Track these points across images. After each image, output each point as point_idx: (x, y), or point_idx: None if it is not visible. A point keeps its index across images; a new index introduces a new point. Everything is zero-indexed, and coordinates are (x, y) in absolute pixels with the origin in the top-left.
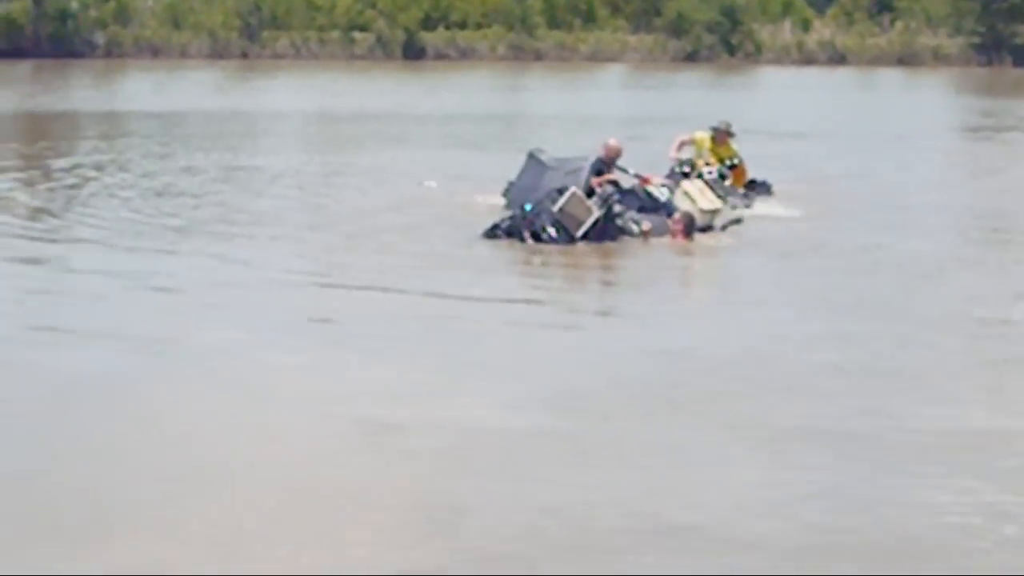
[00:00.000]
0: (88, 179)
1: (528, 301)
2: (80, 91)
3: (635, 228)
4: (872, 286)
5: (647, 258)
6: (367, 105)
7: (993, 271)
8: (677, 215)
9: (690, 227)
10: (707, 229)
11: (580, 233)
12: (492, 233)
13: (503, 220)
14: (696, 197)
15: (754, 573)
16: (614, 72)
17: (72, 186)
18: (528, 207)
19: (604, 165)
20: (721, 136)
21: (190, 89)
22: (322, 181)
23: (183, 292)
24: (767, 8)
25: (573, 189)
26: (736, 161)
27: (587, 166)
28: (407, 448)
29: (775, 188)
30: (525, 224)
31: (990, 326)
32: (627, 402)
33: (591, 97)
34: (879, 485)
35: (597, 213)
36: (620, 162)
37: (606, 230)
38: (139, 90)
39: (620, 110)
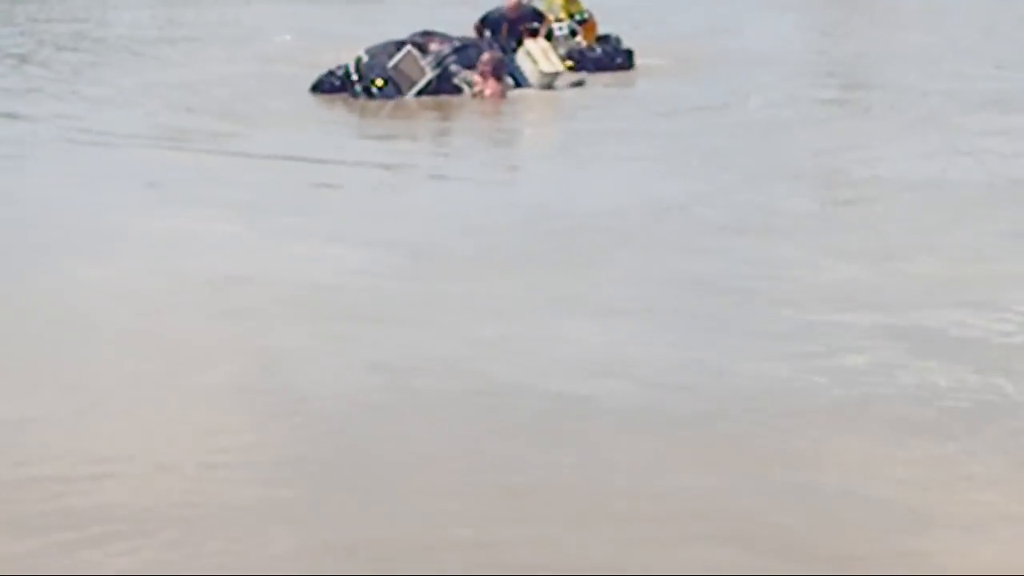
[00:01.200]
0: None
1: (373, 162)
2: None
3: (467, 88)
4: (722, 142)
5: (487, 117)
6: None
7: (840, 126)
8: (485, 56)
9: (499, 69)
10: (547, 90)
11: (412, 94)
12: (319, 86)
13: (336, 69)
14: (538, 58)
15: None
16: None
17: None
18: (364, 57)
19: (508, 22)
20: None
21: None
22: (166, 38)
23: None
24: None
25: (408, 47)
26: (586, 16)
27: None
28: (242, 304)
29: (625, 42)
30: (357, 80)
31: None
32: (481, 260)
33: None
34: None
35: (430, 74)
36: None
37: (440, 90)
38: None
39: None
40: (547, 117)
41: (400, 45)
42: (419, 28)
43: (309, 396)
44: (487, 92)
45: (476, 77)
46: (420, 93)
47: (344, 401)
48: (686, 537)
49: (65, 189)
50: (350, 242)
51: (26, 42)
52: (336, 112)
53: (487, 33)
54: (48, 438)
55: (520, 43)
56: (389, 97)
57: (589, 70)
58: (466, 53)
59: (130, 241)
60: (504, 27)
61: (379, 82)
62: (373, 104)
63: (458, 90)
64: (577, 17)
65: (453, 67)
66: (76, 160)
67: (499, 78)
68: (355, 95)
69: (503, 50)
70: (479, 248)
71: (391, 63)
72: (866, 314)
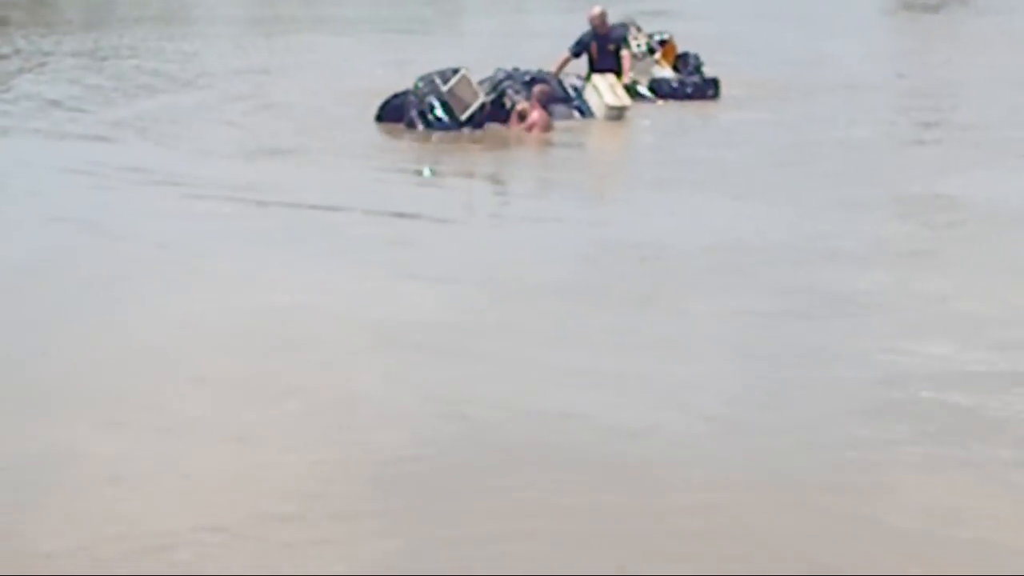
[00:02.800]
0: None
1: (435, 200)
2: None
3: (514, 110)
4: (810, 169)
5: (550, 149)
6: None
7: (929, 150)
8: (537, 87)
9: (548, 100)
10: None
11: (465, 116)
12: (382, 116)
13: (393, 97)
14: (604, 92)
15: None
16: None
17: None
18: (419, 84)
19: (596, 37)
20: None
21: None
22: (257, 69)
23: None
24: None
25: (463, 71)
26: (666, 36)
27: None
28: (315, 338)
29: (712, 73)
30: (414, 103)
31: (927, 201)
32: (557, 294)
33: None
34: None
35: (483, 98)
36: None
37: (493, 115)
38: None
39: None
40: (611, 150)
41: (455, 70)
42: (508, 63)
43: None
44: (532, 117)
45: (525, 104)
46: (472, 117)
47: (415, 439)
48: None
49: (140, 224)
50: (425, 279)
51: (110, 75)
52: (400, 146)
53: (573, 58)
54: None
55: (616, 57)
56: (445, 128)
57: (676, 98)
58: (525, 82)
59: (206, 278)
60: (594, 45)
61: (436, 109)
62: (433, 136)
63: (507, 114)
64: (657, 37)
65: (509, 91)
66: (146, 197)
67: (546, 108)
68: (411, 125)
69: (592, 67)
70: (555, 283)
71: (446, 87)
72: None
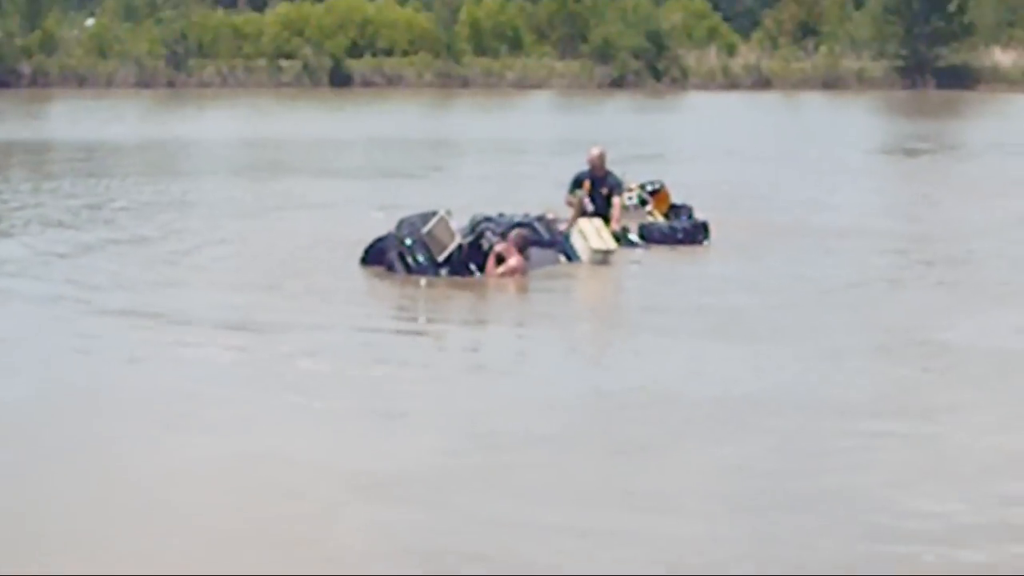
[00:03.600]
0: (13, 210)
1: (418, 344)
2: (5, 122)
3: (491, 253)
4: (799, 312)
5: (529, 295)
6: (298, 133)
7: (919, 295)
8: (515, 231)
9: (524, 244)
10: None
11: (443, 257)
12: (366, 259)
13: (377, 241)
14: (589, 235)
15: None
16: (541, 98)
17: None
18: (400, 226)
19: (592, 177)
20: None
21: (118, 118)
22: (252, 213)
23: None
24: (692, 33)
25: (441, 213)
26: (658, 186)
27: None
28: (298, 486)
29: (705, 217)
30: (394, 246)
31: (923, 346)
32: (538, 445)
33: (522, 122)
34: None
35: (459, 239)
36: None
37: (470, 257)
38: (66, 119)
39: (551, 134)
40: (598, 295)
41: (434, 213)
42: (503, 207)
43: None
44: (510, 263)
45: (503, 245)
46: (450, 258)
47: None
48: None
49: (126, 370)
50: (409, 427)
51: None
52: (382, 290)
53: (583, 199)
54: None
55: (608, 202)
56: (423, 272)
57: (667, 243)
58: (512, 226)
59: (189, 424)
60: (586, 185)
61: (416, 252)
62: (412, 281)
63: (484, 256)
64: (649, 187)
65: (487, 233)
66: (132, 341)
67: (523, 253)
68: (391, 268)
69: (583, 212)
70: (543, 432)
71: (425, 228)
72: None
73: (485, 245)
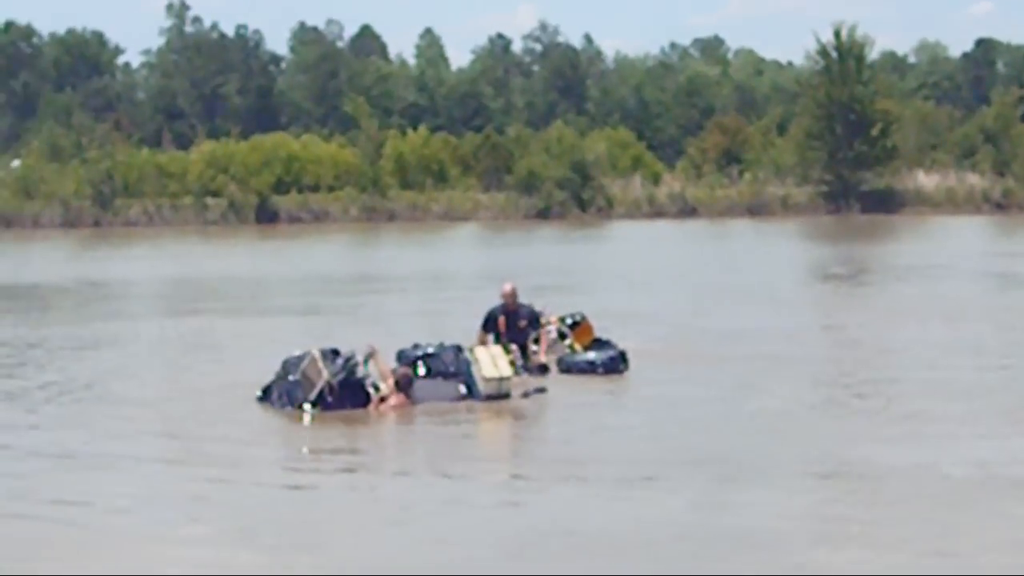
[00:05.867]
0: None
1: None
2: None
3: (373, 392)
4: (725, 441)
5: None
6: (223, 271)
7: (842, 420)
8: (399, 368)
9: (405, 383)
10: (499, 397)
11: (313, 395)
12: (261, 397)
13: (273, 380)
14: (483, 364)
15: None
16: (467, 230)
17: None
18: (284, 365)
19: (506, 312)
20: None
21: (43, 259)
22: (179, 352)
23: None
24: (617, 163)
25: (312, 353)
26: (579, 318)
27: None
28: None
29: (626, 347)
30: (280, 385)
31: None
32: None
33: (448, 255)
34: None
35: (327, 376)
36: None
37: (351, 395)
38: None
39: (477, 266)
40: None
41: (306, 353)
42: (423, 338)
43: None
44: (390, 402)
45: (385, 385)
46: (319, 398)
47: None
48: None
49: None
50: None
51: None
52: (279, 427)
53: (489, 339)
54: None
55: (525, 333)
56: (284, 406)
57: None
58: (424, 355)
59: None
60: (502, 320)
61: (293, 390)
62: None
63: (366, 396)
64: (569, 320)
65: (356, 369)
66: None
67: (406, 392)
68: (272, 404)
69: (498, 343)
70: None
71: (298, 370)
72: None
73: (364, 381)
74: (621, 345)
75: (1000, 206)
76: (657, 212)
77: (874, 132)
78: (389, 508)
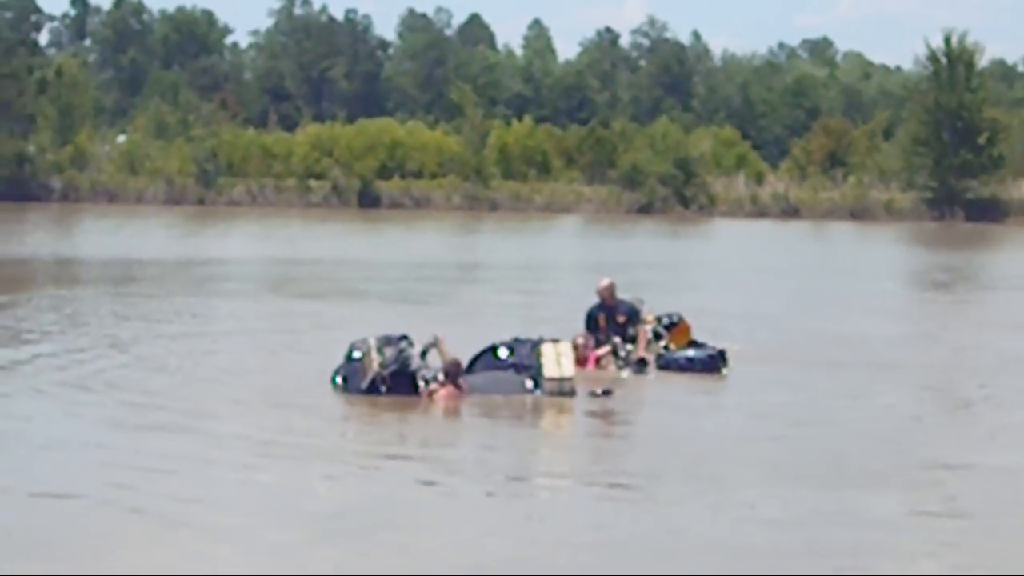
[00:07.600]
0: (41, 334)
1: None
2: (36, 236)
3: (424, 385)
4: (830, 448)
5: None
6: (324, 253)
7: (951, 429)
8: (449, 358)
9: (455, 373)
10: (565, 395)
11: (365, 384)
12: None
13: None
14: (546, 361)
15: None
16: (568, 223)
17: (24, 341)
18: (352, 352)
19: (604, 308)
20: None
21: (146, 236)
22: (279, 335)
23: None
24: (721, 161)
25: (369, 341)
26: (676, 319)
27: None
28: None
29: (729, 349)
30: (354, 368)
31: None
32: None
33: (548, 246)
34: None
35: (376, 367)
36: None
37: (402, 386)
38: (95, 236)
39: (577, 258)
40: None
41: (365, 341)
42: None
43: None
44: (439, 393)
45: (435, 386)
46: (372, 384)
47: None
48: None
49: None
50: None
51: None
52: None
53: (590, 340)
54: None
55: (625, 329)
56: (347, 391)
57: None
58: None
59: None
60: (602, 317)
61: (350, 377)
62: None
63: (415, 387)
64: (665, 320)
65: (414, 363)
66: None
67: (456, 383)
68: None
69: (598, 342)
70: None
71: (357, 357)
72: None
73: (416, 373)
74: (720, 346)
75: None
76: (759, 212)
77: (981, 140)
78: (471, 507)
